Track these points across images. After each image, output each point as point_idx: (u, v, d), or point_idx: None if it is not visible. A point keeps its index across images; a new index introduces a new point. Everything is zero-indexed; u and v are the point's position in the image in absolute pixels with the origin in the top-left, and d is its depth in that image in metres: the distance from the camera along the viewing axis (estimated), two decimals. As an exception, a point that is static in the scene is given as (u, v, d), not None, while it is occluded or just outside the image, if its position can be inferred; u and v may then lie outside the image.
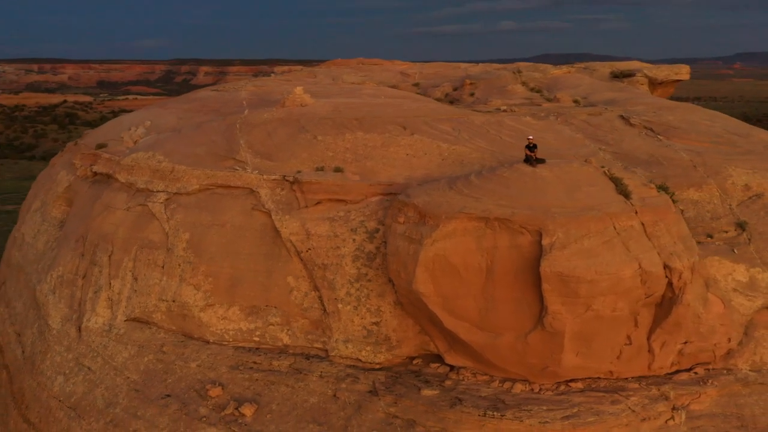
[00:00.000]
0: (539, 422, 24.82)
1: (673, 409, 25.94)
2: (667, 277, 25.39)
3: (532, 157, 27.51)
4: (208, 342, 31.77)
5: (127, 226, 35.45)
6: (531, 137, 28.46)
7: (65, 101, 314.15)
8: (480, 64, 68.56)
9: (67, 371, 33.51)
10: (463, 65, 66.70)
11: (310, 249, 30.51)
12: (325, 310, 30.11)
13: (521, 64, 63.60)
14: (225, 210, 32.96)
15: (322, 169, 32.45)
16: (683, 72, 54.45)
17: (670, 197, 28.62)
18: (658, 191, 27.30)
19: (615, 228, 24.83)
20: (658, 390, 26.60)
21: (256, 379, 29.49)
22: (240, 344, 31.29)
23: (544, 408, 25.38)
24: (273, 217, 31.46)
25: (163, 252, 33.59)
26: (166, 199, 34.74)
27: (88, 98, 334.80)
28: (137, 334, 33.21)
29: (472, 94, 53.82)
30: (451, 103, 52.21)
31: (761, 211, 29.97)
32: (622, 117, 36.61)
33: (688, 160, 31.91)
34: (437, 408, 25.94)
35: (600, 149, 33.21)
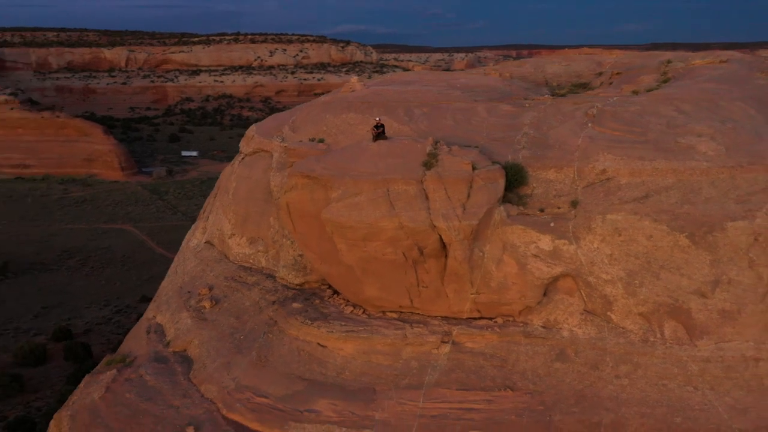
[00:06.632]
0: (327, 331, 33.02)
1: (443, 342, 32.01)
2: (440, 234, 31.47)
3: (373, 134, 34.76)
4: (229, 260, 44.21)
5: (226, 177, 49.29)
6: (378, 118, 35.59)
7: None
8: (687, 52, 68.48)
9: (169, 274, 48.53)
10: (661, 54, 67.46)
11: (279, 197, 40.98)
12: (280, 243, 40.60)
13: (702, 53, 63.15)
14: (255, 167, 44.77)
15: (313, 140, 42.38)
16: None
17: (515, 174, 33.60)
18: (476, 168, 32.43)
19: (388, 190, 31.47)
20: (448, 327, 32.62)
21: (231, 287, 41.21)
22: (243, 264, 43.13)
23: (342, 324, 33.33)
24: (271, 173, 42.48)
25: (226, 195, 46.69)
26: (242, 159, 47.66)
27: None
28: (205, 252, 46.95)
29: (611, 83, 57.31)
30: (592, 89, 56.56)
31: (601, 193, 32.40)
32: (596, 108, 39.58)
33: (575, 145, 35.04)
34: (289, 316, 35.27)
35: (525, 134, 37.63)
